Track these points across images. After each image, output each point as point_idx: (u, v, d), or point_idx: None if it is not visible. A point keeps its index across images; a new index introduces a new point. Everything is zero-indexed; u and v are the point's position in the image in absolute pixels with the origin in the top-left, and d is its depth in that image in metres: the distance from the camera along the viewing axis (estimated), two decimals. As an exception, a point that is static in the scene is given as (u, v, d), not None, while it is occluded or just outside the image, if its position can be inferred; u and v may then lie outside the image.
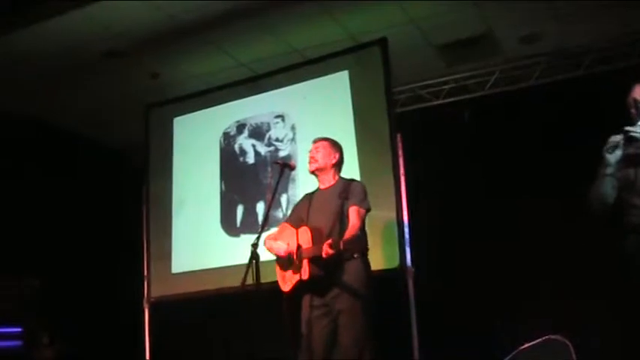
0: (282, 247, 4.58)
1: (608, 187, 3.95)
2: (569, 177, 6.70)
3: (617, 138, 4.01)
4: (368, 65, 6.54)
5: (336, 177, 4.79)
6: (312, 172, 4.79)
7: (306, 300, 4.53)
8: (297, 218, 4.75)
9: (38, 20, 6.36)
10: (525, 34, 6.97)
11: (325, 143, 4.82)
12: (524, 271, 6.81)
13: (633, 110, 3.95)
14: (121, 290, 7.87)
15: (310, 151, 4.81)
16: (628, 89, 3.97)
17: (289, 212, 5.12)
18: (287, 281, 4.57)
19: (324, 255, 4.23)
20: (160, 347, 7.34)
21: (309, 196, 4.83)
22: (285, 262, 4.59)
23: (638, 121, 3.92)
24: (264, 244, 4.64)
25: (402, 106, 7.72)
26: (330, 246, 4.17)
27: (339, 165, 4.82)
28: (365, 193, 4.67)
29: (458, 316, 6.88)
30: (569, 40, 7.06)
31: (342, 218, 4.54)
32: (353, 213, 4.53)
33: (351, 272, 4.47)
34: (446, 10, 6.53)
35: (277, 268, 4.65)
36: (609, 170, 3.91)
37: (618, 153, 3.91)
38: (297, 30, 6.84)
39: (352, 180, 4.83)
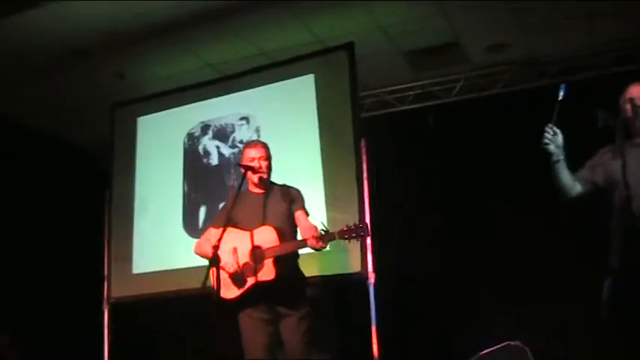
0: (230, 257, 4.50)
1: (562, 177, 4.06)
2: (530, 183, 6.78)
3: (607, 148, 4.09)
4: (334, 69, 6.53)
5: (270, 182, 4.78)
6: (257, 181, 4.70)
7: (255, 305, 4.47)
8: (239, 219, 4.60)
9: (3, 16, 6.28)
10: (492, 43, 7.02)
11: (266, 151, 4.76)
12: (486, 276, 6.85)
13: (628, 106, 4.00)
14: (83, 291, 7.79)
15: (250, 156, 4.69)
16: (591, 99, 4.02)
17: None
18: (235, 286, 4.50)
19: (315, 245, 4.30)
20: (121, 348, 7.26)
21: (246, 197, 4.70)
22: (232, 265, 4.49)
23: (637, 119, 3.98)
24: (196, 248, 4.73)
25: (367, 110, 7.74)
26: (319, 239, 4.27)
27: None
28: (304, 199, 4.75)
29: (419, 320, 6.91)
30: (536, 49, 7.12)
31: (292, 220, 4.62)
32: (303, 216, 4.63)
33: (297, 276, 4.56)
34: (414, 18, 6.56)
35: (217, 275, 4.35)
36: (555, 157, 4.03)
37: (558, 138, 4.00)
38: (265, 33, 6.83)
39: (287, 186, 4.81)
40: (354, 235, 4.31)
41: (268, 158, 4.74)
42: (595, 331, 4.03)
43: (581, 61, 7.11)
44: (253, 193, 4.73)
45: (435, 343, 6.84)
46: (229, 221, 4.50)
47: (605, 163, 4.09)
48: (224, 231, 4.36)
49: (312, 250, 4.51)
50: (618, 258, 3.87)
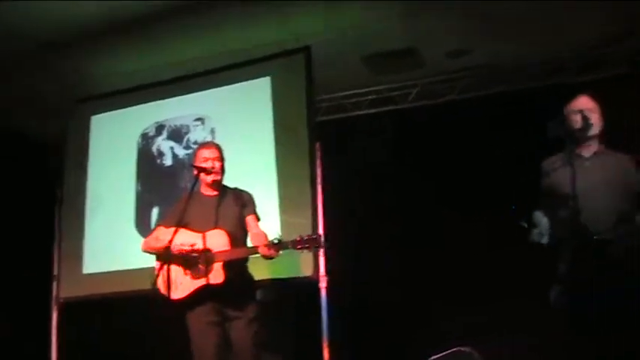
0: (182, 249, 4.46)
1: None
2: (484, 190, 6.85)
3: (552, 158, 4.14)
4: (291, 72, 6.54)
5: (224, 185, 4.77)
6: (210, 183, 4.69)
7: (204, 307, 4.44)
8: (191, 221, 4.56)
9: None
10: (451, 49, 7.03)
11: (220, 152, 4.76)
12: (440, 282, 6.88)
13: (578, 117, 4.05)
14: (33, 290, 7.67)
15: (204, 157, 4.68)
16: (551, 107, 4.06)
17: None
18: (181, 287, 4.46)
19: (265, 254, 4.31)
20: (69, 349, 7.17)
21: (198, 199, 4.67)
22: (181, 266, 4.47)
23: (587, 129, 4.04)
24: (144, 246, 4.72)
25: (323, 114, 7.70)
26: (273, 247, 4.28)
27: None
28: (255, 203, 4.75)
29: (372, 325, 6.92)
30: (495, 56, 7.14)
31: (243, 225, 4.62)
32: (253, 222, 4.64)
33: (246, 279, 4.57)
34: (373, 22, 6.54)
35: (168, 275, 4.44)
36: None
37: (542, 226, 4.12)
38: (222, 34, 6.77)
39: (239, 189, 4.79)
40: (307, 246, 4.29)
41: (221, 160, 4.72)
42: (543, 339, 4.08)
43: (541, 68, 7.16)
44: (206, 195, 4.71)
45: (387, 347, 6.85)
46: (180, 222, 4.46)
47: (551, 174, 4.16)
48: (176, 231, 4.33)
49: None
50: (566, 267, 3.92)
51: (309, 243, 4.29)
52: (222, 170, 4.71)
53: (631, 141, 4.25)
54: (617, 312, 3.82)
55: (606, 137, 4.21)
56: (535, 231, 4.14)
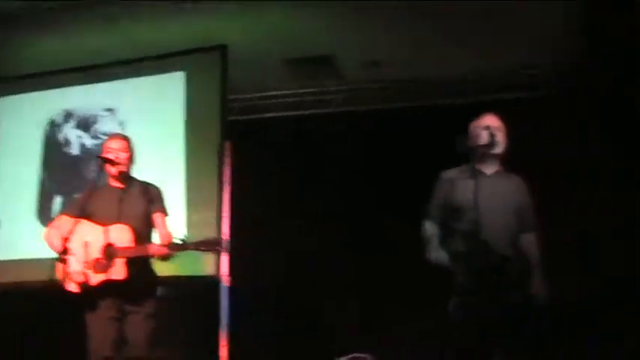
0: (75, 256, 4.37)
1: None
2: (387, 199, 6.95)
3: (453, 172, 4.22)
4: (206, 69, 6.52)
5: (131, 178, 4.68)
6: (116, 175, 4.60)
7: (103, 301, 4.36)
8: (94, 213, 4.49)
9: None
10: (369, 59, 7.10)
11: (127, 144, 4.67)
12: (338, 287, 6.93)
13: (485, 134, 4.14)
14: None
15: (110, 148, 4.59)
16: (463, 124, 4.15)
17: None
18: (83, 281, 4.34)
19: (164, 254, 4.27)
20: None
21: (104, 193, 4.60)
22: (82, 259, 4.37)
23: (493, 147, 4.13)
24: (45, 236, 4.57)
25: (236, 114, 7.66)
26: (149, 250, 4.26)
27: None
28: (164, 199, 4.68)
29: (270, 327, 6.91)
30: (411, 70, 7.24)
31: (149, 221, 4.54)
32: (160, 220, 4.57)
33: (148, 275, 4.50)
34: (295, 27, 6.58)
35: (63, 266, 4.35)
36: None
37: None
38: (140, 25, 6.71)
39: (148, 183, 4.71)
40: (209, 248, 4.29)
41: (129, 151, 4.64)
42: (440, 350, 4.16)
43: (457, 86, 7.28)
44: (112, 187, 4.61)
45: (285, 350, 6.86)
46: (84, 213, 4.41)
47: (451, 187, 4.24)
48: (76, 223, 4.26)
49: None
50: (465, 280, 4.01)
51: (211, 246, 4.28)
52: (130, 162, 4.63)
53: (525, 165, 4.37)
54: (510, 327, 3.93)
55: (505, 159, 4.33)
56: (433, 253, 4.22)
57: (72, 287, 4.35)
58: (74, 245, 4.31)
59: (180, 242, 4.26)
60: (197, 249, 4.28)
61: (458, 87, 7.26)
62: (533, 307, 4.02)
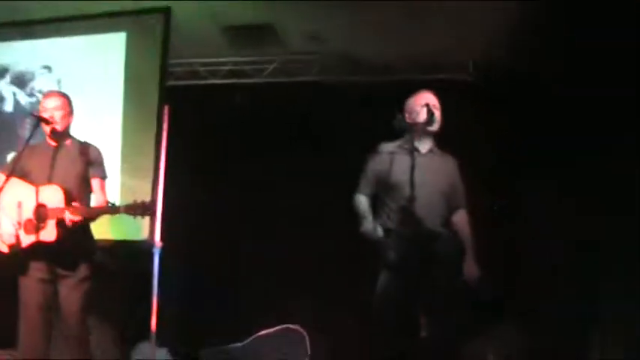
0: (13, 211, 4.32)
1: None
2: (327, 172, 6.99)
3: (389, 147, 4.26)
4: (148, 32, 6.43)
5: (70, 137, 4.63)
6: (50, 134, 4.52)
7: (34, 262, 4.33)
8: (28, 172, 4.45)
9: None
10: (307, 31, 7.10)
11: (64, 101, 4.59)
12: (269, 259, 6.97)
13: (423, 111, 4.18)
14: None
15: (44, 107, 4.51)
16: (398, 101, 4.19)
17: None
18: (13, 243, 4.30)
19: (71, 221, 4.15)
20: None
21: (40, 151, 4.53)
22: (13, 219, 4.32)
23: (431, 124, 4.18)
24: None
25: (176, 79, 7.60)
26: (78, 212, 4.15)
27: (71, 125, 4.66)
28: (103, 161, 4.63)
29: (200, 295, 6.92)
30: (350, 46, 7.27)
31: (86, 182, 4.48)
32: (98, 185, 4.52)
33: (84, 239, 4.43)
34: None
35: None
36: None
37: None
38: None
39: (89, 143, 4.64)
40: (139, 212, 4.26)
41: (64, 110, 4.54)
42: (368, 322, 4.24)
43: (396, 63, 7.36)
44: (47, 145, 4.53)
45: (217, 321, 6.88)
46: (17, 172, 4.35)
47: (385, 162, 4.28)
48: (6, 181, 4.20)
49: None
50: (396, 255, 4.07)
51: (141, 209, 4.24)
52: (66, 121, 4.55)
53: (457, 145, 4.45)
54: (436, 302, 4.02)
55: (438, 137, 4.39)
56: (367, 225, 4.25)
57: (2, 248, 4.30)
58: (7, 205, 4.27)
59: (111, 205, 4.24)
60: (126, 212, 4.25)
61: (390, 66, 7.36)
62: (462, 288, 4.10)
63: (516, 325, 6.04)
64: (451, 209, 4.27)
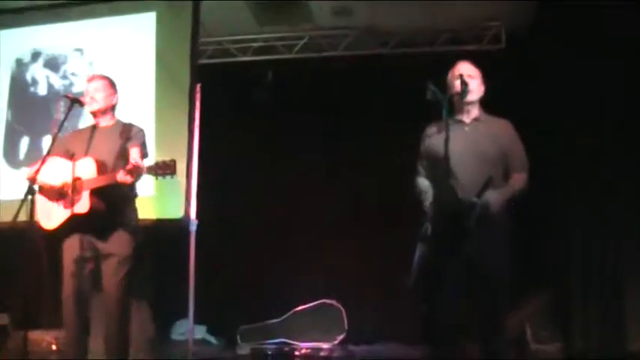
0: (57, 179, 4.37)
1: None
2: (356, 146, 6.98)
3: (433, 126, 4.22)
4: (177, 11, 6.41)
5: (114, 118, 4.69)
6: (92, 113, 4.63)
7: (74, 239, 4.37)
8: (67, 151, 4.53)
9: None
10: (338, 6, 7.07)
11: (105, 82, 4.68)
12: (306, 235, 6.99)
13: (457, 82, 4.12)
14: None
15: (87, 89, 4.62)
16: (427, 73, 4.13)
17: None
18: (54, 217, 4.37)
19: (123, 179, 4.16)
20: None
21: (83, 132, 4.66)
22: (54, 195, 4.39)
23: (465, 95, 4.12)
24: (28, 176, 4.44)
25: (208, 57, 7.61)
26: (128, 172, 4.14)
27: (115, 106, 4.72)
28: (145, 139, 4.65)
29: (237, 273, 6.97)
30: (378, 19, 7.22)
31: (124, 157, 4.46)
32: (136, 153, 4.50)
33: (124, 218, 4.45)
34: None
35: (42, 203, 4.40)
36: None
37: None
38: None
39: (132, 124, 4.69)
40: (160, 172, 4.19)
41: (105, 91, 4.63)
42: (405, 295, 4.22)
43: (419, 36, 7.32)
44: (97, 127, 4.64)
45: (253, 295, 6.92)
46: (60, 152, 4.47)
47: (430, 139, 4.25)
48: (43, 162, 4.28)
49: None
50: (431, 227, 4.05)
51: (162, 169, 4.18)
52: (108, 102, 4.63)
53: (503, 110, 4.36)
54: (473, 273, 3.99)
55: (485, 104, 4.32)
56: (425, 202, 4.22)
57: (47, 224, 4.38)
58: (49, 182, 4.35)
59: (133, 166, 4.20)
60: (150, 173, 4.20)
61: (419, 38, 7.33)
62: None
63: (549, 297, 6.03)
64: (507, 174, 4.16)
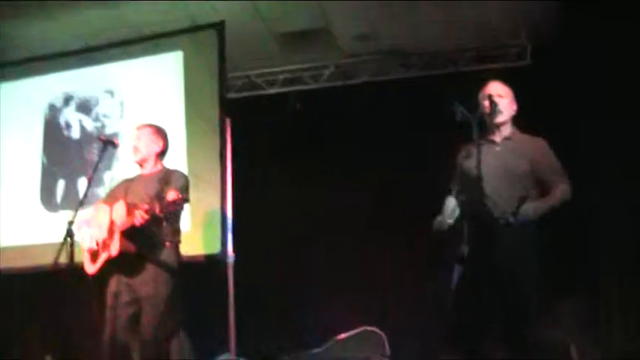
0: (87, 236, 4.45)
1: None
2: (386, 173, 6.97)
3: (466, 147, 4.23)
4: (203, 48, 6.48)
5: (160, 165, 4.71)
6: (137, 163, 4.70)
7: (113, 282, 4.42)
8: (112, 199, 4.60)
9: None
10: (360, 32, 7.11)
11: (149, 130, 4.72)
12: (342, 264, 6.97)
13: (486, 102, 4.13)
14: None
15: (132, 139, 4.69)
16: (451, 93, 4.13)
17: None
18: (95, 261, 4.43)
19: (137, 221, 4.17)
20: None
21: (128, 181, 4.74)
22: (94, 239, 4.45)
23: (494, 115, 4.12)
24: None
25: (235, 91, 7.69)
26: (146, 211, 4.13)
27: (163, 153, 4.75)
28: (187, 183, 4.61)
29: (275, 304, 6.96)
30: (401, 42, 7.25)
31: (161, 201, 4.37)
32: (172, 196, 4.34)
33: (160, 260, 4.45)
34: (285, 1, 6.55)
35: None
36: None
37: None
38: (135, 6, 6.65)
39: (176, 170, 4.75)
40: (171, 207, 4.14)
41: (148, 139, 4.68)
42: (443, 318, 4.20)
43: (443, 57, 7.33)
44: (140, 175, 4.70)
45: (288, 327, 6.91)
46: (112, 200, 4.55)
47: (464, 159, 4.25)
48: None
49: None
50: (468, 248, 4.03)
51: (172, 204, 4.12)
52: (149, 151, 4.66)
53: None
54: (509, 294, 3.97)
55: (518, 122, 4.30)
56: (438, 218, 4.21)
57: (89, 269, 4.46)
58: (91, 228, 4.47)
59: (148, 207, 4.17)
60: (162, 211, 4.13)
61: (445, 58, 7.34)
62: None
63: (591, 313, 5.96)
64: (545, 190, 4.14)
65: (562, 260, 5.54)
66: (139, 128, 4.77)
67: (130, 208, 4.34)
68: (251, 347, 6.65)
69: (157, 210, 4.10)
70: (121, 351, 4.37)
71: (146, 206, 4.15)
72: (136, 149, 4.64)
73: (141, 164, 4.68)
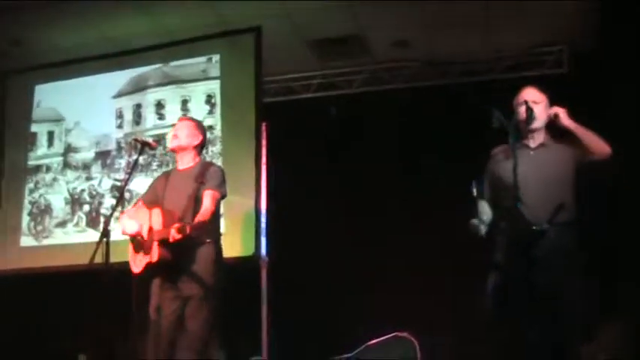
0: (133, 227, 4.45)
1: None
2: (422, 178, 6.95)
3: (501, 148, 4.22)
4: (240, 52, 6.56)
5: (197, 159, 4.70)
6: (173, 150, 4.73)
7: (156, 283, 4.44)
8: (152, 197, 4.63)
9: None
10: (396, 39, 7.13)
11: (190, 123, 4.75)
12: (376, 268, 6.96)
13: (522, 109, 4.12)
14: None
15: (173, 128, 4.73)
16: (488, 100, 4.13)
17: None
18: (138, 263, 4.46)
19: (170, 240, 4.17)
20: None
21: (166, 175, 4.75)
22: (138, 242, 4.46)
23: (530, 121, 4.11)
24: (120, 220, 4.55)
25: (271, 96, 7.73)
26: (178, 230, 4.11)
27: (201, 147, 4.76)
28: (223, 178, 4.59)
29: (309, 308, 6.97)
30: (438, 50, 7.26)
31: (196, 201, 4.45)
32: (207, 197, 4.45)
33: (201, 258, 4.42)
34: (321, 8, 6.59)
35: (131, 248, 4.50)
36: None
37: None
38: (173, 11, 6.73)
39: (212, 163, 4.78)
40: (182, 231, 4.11)
41: (188, 130, 4.67)
42: (480, 325, 4.19)
43: (480, 64, 7.34)
44: (177, 170, 4.72)
45: (324, 333, 6.92)
46: (151, 197, 4.62)
47: (497, 164, 4.24)
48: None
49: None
50: (503, 255, 4.02)
51: (179, 228, 4.11)
52: (187, 142, 4.65)
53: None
54: (546, 301, 3.94)
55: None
56: (474, 222, 4.19)
57: (133, 269, 4.49)
58: (129, 230, 4.49)
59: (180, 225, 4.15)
60: (178, 233, 4.12)
61: (479, 66, 7.35)
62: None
63: (623, 324, 5.89)
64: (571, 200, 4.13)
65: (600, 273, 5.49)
66: (180, 120, 4.85)
67: (166, 218, 4.35)
68: (283, 352, 6.67)
69: (188, 230, 4.12)
70: (163, 350, 4.37)
71: (178, 225, 4.15)
72: (175, 137, 4.65)
73: (177, 153, 4.69)
